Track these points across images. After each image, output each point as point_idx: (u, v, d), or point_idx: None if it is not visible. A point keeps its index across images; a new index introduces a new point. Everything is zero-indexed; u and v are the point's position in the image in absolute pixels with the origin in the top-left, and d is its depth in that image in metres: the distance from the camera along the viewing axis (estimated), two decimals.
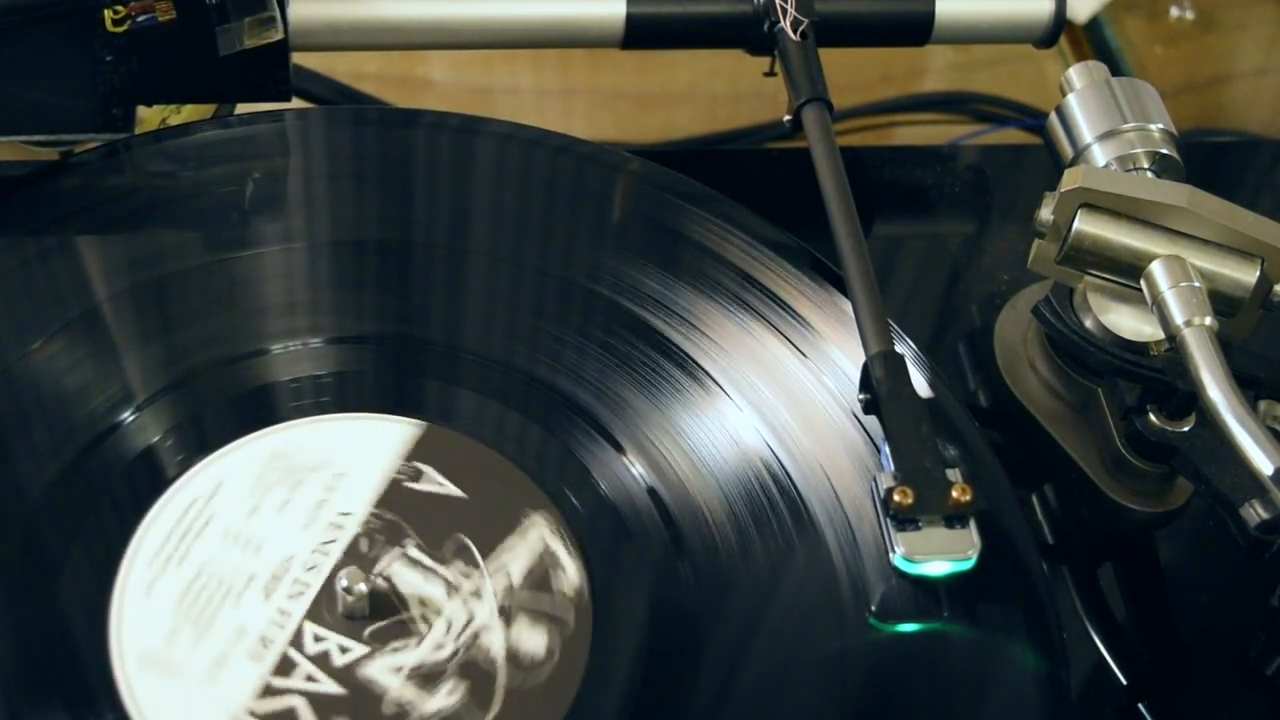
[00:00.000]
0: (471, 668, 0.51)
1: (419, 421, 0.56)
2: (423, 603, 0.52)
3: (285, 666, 0.50)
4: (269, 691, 0.50)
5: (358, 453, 0.55)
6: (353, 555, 0.53)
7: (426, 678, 0.51)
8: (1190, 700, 0.60)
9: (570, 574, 0.53)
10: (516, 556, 0.53)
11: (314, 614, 0.51)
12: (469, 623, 0.52)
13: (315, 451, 0.55)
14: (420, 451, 0.55)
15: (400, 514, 0.54)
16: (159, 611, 0.51)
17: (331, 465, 0.55)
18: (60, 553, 0.52)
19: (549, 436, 0.57)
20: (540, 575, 0.53)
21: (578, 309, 0.60)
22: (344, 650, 0.51)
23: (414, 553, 0.53)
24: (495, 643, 0.52)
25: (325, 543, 0.53)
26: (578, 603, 0.53)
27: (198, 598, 0.51)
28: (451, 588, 0.53)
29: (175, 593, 0.51)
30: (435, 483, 0.55)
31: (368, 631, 0.51)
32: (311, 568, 0.52)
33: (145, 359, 0.57)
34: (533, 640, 0.52)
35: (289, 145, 0.65)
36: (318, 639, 0.51)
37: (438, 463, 0.55)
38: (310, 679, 0.50)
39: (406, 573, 0.53)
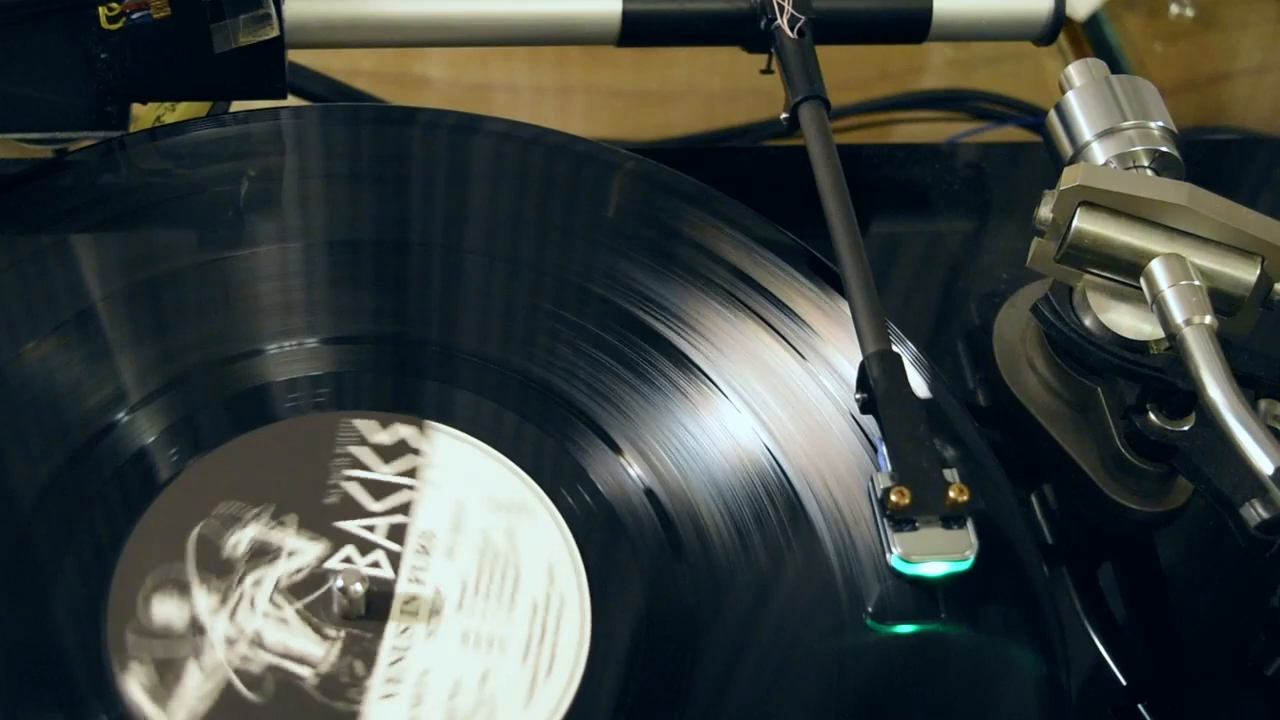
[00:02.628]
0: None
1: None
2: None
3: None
4: None
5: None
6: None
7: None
8: (1190, 700, 0.60)
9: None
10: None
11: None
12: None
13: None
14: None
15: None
16: None
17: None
18: (55, 553, 0.52)
19: (545, 437, 0.56)
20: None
21: (574, 308, 0.60)
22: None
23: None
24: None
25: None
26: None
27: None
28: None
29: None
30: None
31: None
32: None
33: (140, 359, 0.57)
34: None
35: (284, 143, 0.64)
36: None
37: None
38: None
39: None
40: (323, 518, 0.53)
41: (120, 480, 0.54)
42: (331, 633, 0.51)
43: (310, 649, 0.51)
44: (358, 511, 0.54)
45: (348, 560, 0.52)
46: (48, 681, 0.49)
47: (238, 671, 0.50)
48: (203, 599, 0.51)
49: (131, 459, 0.54)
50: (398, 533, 0.53)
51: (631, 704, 0.51)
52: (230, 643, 0.50)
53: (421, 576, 0.53)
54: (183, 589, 0.51)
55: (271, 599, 0.51)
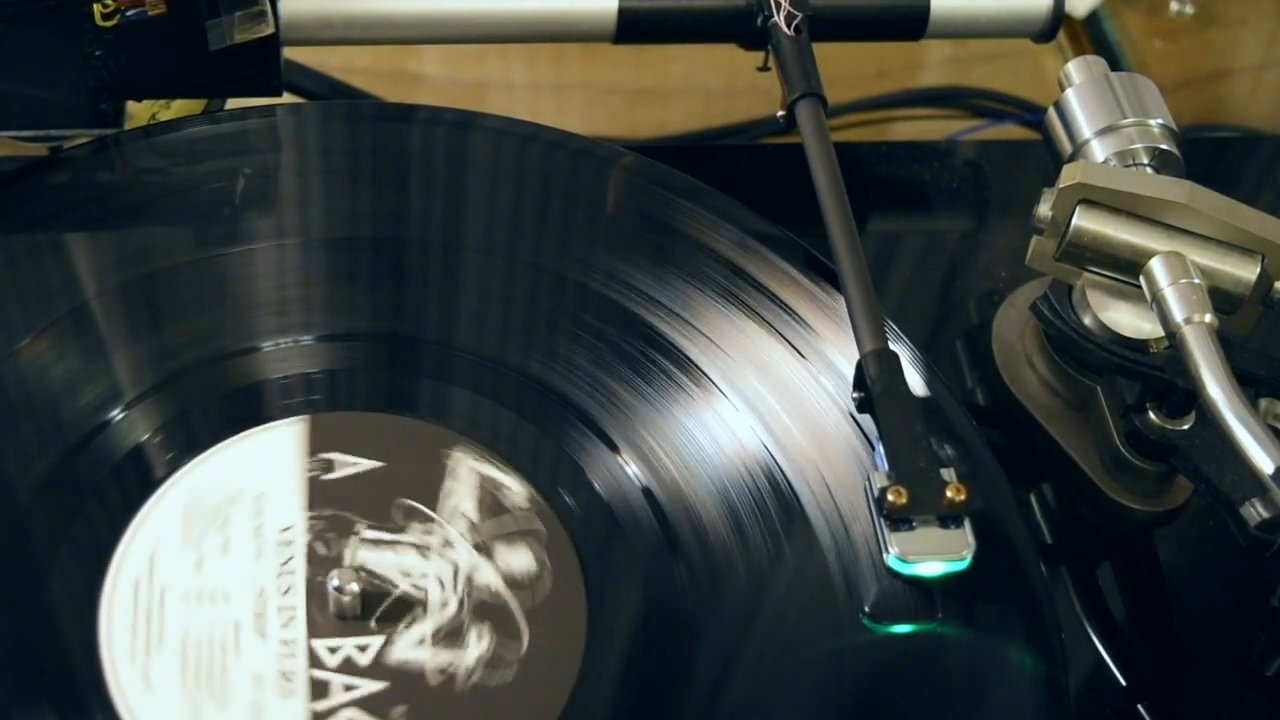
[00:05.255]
0: (484, 609, 0.52)
1: (301, 417, 0.55)
2: (405, 574, 0.52)
3: (320, 690, 0.50)
4: (318, 718, 0.50)
5: (261, 470, 0.54)
6: (317, 562, 0.52)
7: (451, 636, 0.51)
8: (1190, 700, 0.60)
9: (514, 488, 0.54)
10: (461, 495, 0.54)
11: (314, 630, 0.51)
12: (456, 571, 0.52)
13: (221, 487, 0.54)
14: (318, 443, 0.55)
15: (336, 506, 0.53)
16: (169, 698, 0.50)
17: (245, 491, 0.54)
18: (49, 552, 0.52)
19: (543, 435, 0.56)
20: (491, 501, 0.54)
21: (571, 305, 0.60)
22: (362, 649, 0.51)
23: (369, 534, 0.53)
24: (490, 577, 0.52)
25: (284, 562, 0.52)
26: (537, 509, 0.53)
27: (199, 667, 0.50)
28: (422, 549, 0.53)
29: (174, 674, 0.50)
30: (349, 464, 0.54)
31: (374, 622, 0.51)
32: (287, 590, 0.52)
33: (134, 356, 0.57)
34: (519, 559, 0.52)
35: (280, 140, 0.64)
36: (333, 650, 0.51)
37: (340, 446, 0.55)
38: (349, 688, 0.50)
39: (374, 554, 0.52)
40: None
41: (115, 477, 0.54)
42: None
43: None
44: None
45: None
46: (43, 680, 0.49)
47: None
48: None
49: (126, 456, 0.54)
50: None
51: (629, 703, 0.51)
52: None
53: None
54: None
55: None
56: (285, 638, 0.51)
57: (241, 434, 0.55)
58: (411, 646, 0.51)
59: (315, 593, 0.51)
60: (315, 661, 0.50)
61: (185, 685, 0.50)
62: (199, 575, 0.52)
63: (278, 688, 0.50)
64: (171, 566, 0.52)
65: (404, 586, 0.52)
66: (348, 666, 0.50)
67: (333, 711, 0.49)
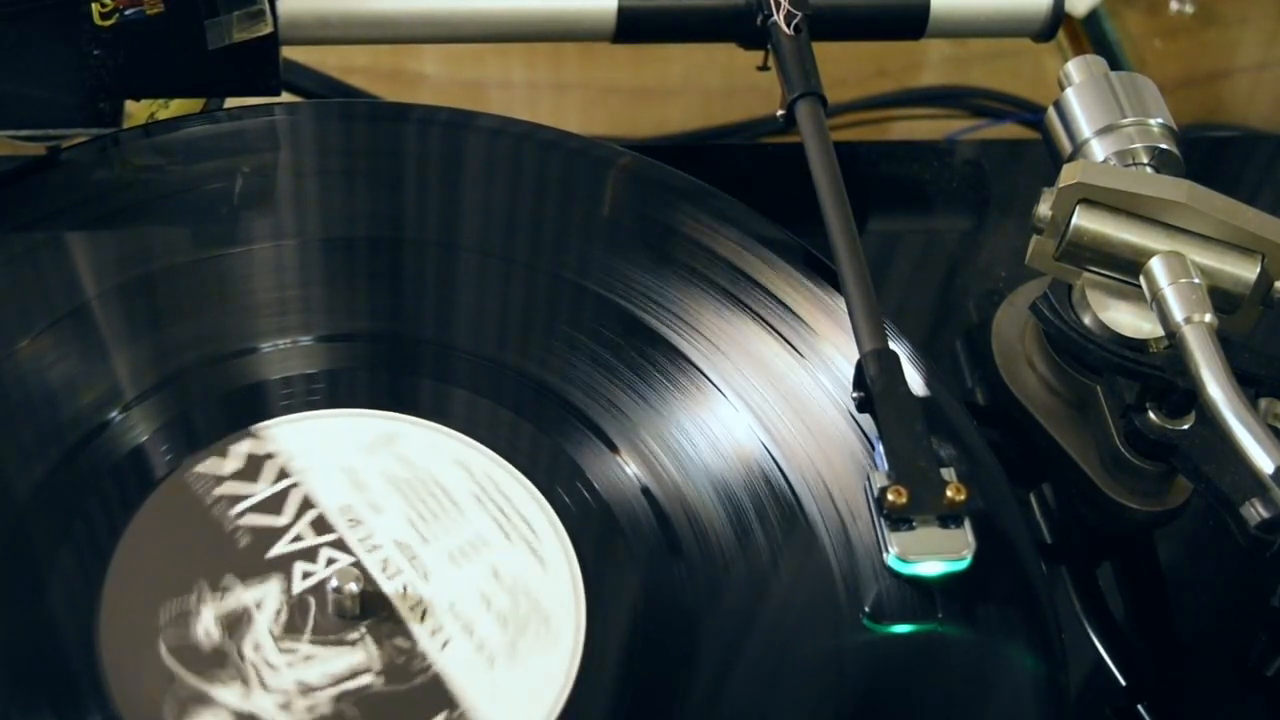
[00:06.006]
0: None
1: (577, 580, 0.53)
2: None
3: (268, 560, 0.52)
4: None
5: (558, 593, 0.53)
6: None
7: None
8: (1190, 700, 0.60)
9: None
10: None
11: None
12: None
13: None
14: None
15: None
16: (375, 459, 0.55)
17: (529, 597, 0.53)
18: (48, 552, 0.52)
19: (541, 435, 0.56)
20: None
21: (570, 306, 0.60)
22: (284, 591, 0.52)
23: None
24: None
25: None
26: None
27: (421, 490, 0.54)
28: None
29: (405, 476, 0.54)
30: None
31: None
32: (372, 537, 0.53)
33: (134, 357, 0.57)
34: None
35: (278, 140, 0.64)
36: (303, 577, 0.52)
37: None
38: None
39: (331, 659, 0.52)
40: (253, 559, 0.52)
41: (115, 477, 0.54)
42: (354, 634, 0.51)
43: (353, 659, 0.50)
44: (274, 533, 0.53)
45: (307, 575, 0.52)
46: (42, 681, 0.49)
47: None
48: (228, 694, 0.50)
49: (126, 457, 0.54)
50: (322, 525, 0.53)
51: (628, 705, 0.51)
52: (286, 707, 0.50)
53: (374, 541, 0.53)
54: (203, 700, 0.50)
55: (281, 649, 0.51)
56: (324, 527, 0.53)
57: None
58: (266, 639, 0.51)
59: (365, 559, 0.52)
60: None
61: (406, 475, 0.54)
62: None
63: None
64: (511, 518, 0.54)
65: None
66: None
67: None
